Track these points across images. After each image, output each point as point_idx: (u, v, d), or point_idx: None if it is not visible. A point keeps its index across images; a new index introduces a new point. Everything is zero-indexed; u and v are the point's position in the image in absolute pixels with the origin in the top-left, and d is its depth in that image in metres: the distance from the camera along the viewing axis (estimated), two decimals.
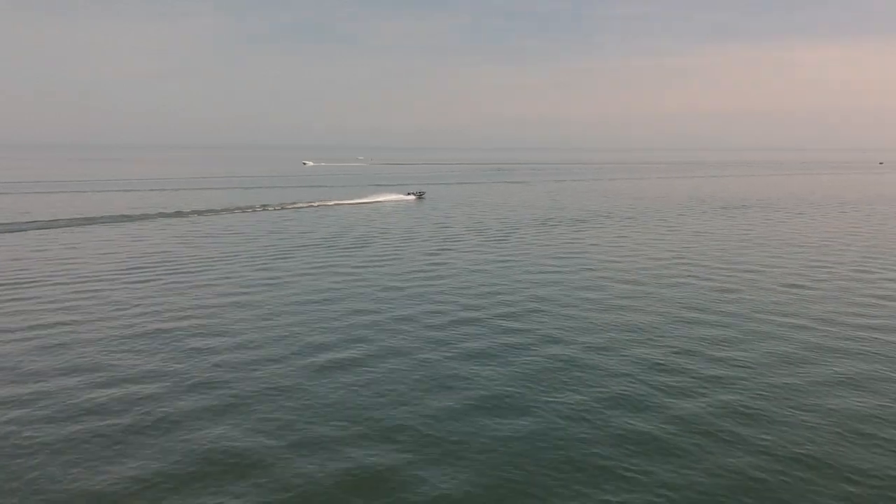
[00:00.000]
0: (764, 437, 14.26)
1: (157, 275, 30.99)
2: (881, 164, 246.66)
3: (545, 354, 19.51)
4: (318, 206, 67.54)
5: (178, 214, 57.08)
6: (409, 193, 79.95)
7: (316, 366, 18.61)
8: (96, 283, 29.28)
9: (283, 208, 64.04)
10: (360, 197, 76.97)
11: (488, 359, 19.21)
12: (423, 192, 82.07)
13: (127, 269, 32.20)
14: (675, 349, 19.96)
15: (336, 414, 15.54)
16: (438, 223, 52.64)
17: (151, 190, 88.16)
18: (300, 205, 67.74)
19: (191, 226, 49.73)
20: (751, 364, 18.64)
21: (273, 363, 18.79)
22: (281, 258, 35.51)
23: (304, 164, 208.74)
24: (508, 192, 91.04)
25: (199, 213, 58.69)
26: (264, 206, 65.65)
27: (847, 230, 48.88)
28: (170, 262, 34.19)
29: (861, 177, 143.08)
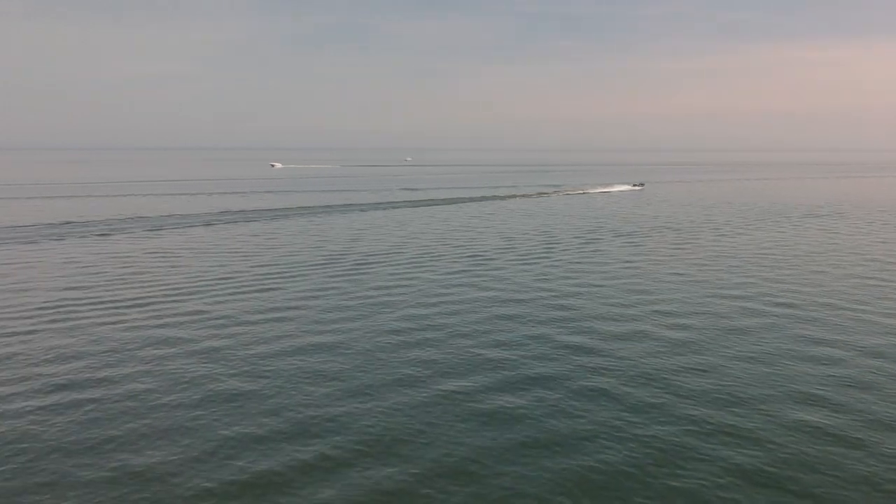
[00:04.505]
0: None
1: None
2: None
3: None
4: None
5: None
6: (634, 185, 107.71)
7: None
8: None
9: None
10: (591, 188, 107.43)
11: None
12: (644, 184, 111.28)
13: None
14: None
15: None
16: (503, 235, 51.44)
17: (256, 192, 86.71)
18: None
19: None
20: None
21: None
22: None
23: (273, 165, 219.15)
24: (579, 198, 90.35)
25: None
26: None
27: None
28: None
29: None
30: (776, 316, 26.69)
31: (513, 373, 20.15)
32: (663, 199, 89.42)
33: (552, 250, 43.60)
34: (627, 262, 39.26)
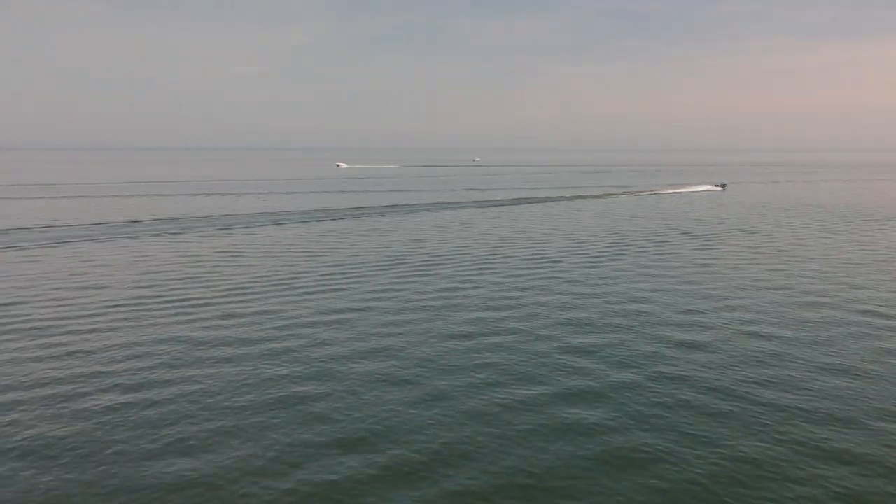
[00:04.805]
0: None
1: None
2: None
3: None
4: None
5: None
6: (715, 185, 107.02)
7: None
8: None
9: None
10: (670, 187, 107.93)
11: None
12: (725, 184, 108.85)
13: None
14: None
15: None
16: (572, 237, 50.94)
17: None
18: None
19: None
20: None
21: None
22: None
23: (338, 165, 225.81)
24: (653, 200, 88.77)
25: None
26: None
27: None
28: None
29: None
30: (860, 325, 25.34)
31: (580, 381, 19.52)
32: (744, 200, 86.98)
33: (623, 253, 42.65)
34: (702, 265, 38.07)
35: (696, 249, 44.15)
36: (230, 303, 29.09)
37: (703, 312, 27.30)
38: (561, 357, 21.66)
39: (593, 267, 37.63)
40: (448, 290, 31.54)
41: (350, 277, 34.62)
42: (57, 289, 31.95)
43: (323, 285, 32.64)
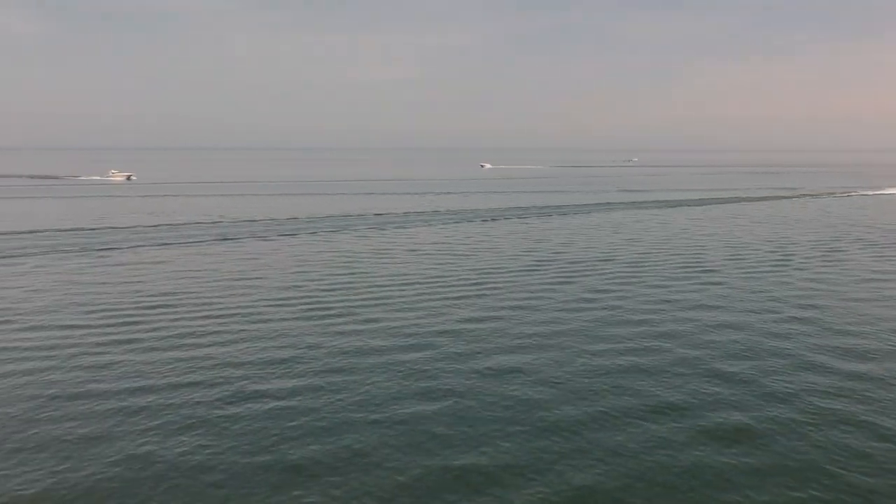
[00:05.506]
0: None
1: None
2: None
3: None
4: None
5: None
6: None
7: None
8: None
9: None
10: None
11: None
12: None
13: None
14: None
15: None
16: (729, 242, 48.78)
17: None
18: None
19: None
20: None
21: None
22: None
23: (482, 166, 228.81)
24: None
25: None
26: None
27: None
28: None
29: None
30: None
31: (729, 417, 17.65)
32: None
33: (788, 262, 39.89)
34: (877, 281, 34.63)
35: (872, 259, 40.64)
36: (369, 307, 29.19)
37: (872, 336, 24.55)
38: (710, 385, 19.83)
39: (753, 278, 35.07)
40: (591, 300, 30.22)
41: (491, 284, 33.92)
42: (211, 285, 33.63)
43: (462, 291, 32.20)
